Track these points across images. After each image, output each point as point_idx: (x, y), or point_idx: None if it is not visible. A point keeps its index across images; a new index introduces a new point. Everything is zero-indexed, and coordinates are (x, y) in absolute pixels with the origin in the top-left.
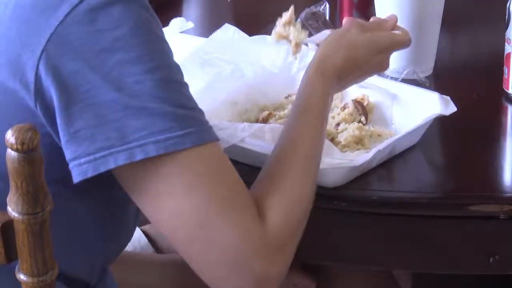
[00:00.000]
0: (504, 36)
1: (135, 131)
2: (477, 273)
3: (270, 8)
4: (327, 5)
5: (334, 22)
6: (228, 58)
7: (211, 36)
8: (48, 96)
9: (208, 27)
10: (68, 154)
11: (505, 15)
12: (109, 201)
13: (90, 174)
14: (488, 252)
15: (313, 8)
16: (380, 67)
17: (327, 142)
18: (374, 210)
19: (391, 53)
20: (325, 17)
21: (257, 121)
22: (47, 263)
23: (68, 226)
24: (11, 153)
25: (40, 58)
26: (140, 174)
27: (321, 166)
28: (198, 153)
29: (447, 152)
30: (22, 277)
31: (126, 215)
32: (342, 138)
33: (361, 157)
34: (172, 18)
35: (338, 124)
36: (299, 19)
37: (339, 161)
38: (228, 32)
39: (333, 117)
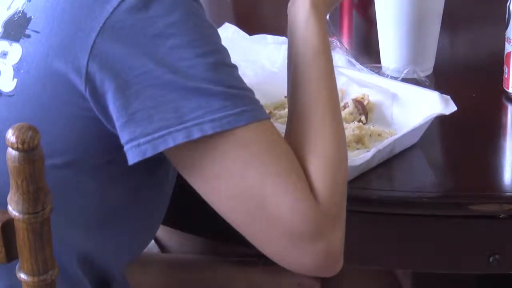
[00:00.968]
0: (504, 35)
1: (191, 111)
2: (477, 272)
3: (270, 8)
4: None
5: (334, 22)
6: None
7: None
8: (99, 80)
9: None
10: (125, 136)
11: (505, 15)
12: (141, 196)
13: (149, 153)
14: (488, 252)
15: None
16: None
17: None
18: (374, 210)
19: None
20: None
21: None
22: (48, 262)
23: (100, 213)
24: (11, 152)
25: (94, 42)
26: (197, 153)
27: None
28: (252, 131)
29: (447, 152)
30: (22, 276)
31: (156, 211)
32: None
33: (361, 157)
34: None
35: None
36: None
37: None
38: (228, 31)
39: None
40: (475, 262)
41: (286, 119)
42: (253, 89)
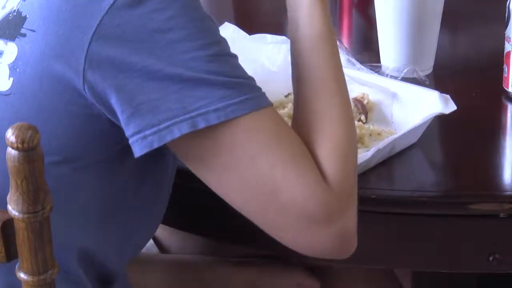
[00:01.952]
0: (504, 34)
1: (195, 101)
2: (477, 271)
3: (270, 7)
4: None
5: (334, 21)
6: None
7: None
8: (99, 77)
9: None
10: (130, 129)
11: (505, 14)
12: (141, 192)
13: (156, 145)
14: (488, 251)
15: None
16: None
17: None
18: (373, 209)
19: None
20: None
21: None
22: (48, 262)
23: (104, 207)
24: (11, 152)
25: (91, 40)
26: (204, 144)
27: None
28: (257, 119)
29: (447, 151)
30: (22, 275)
31: (156, 206)
32: None
33: (360, 156)
34: None
35: None
36: None
37: None
38: (228, 30)
39: None
40: (475, 262)
41: (286, 119)
42: None
